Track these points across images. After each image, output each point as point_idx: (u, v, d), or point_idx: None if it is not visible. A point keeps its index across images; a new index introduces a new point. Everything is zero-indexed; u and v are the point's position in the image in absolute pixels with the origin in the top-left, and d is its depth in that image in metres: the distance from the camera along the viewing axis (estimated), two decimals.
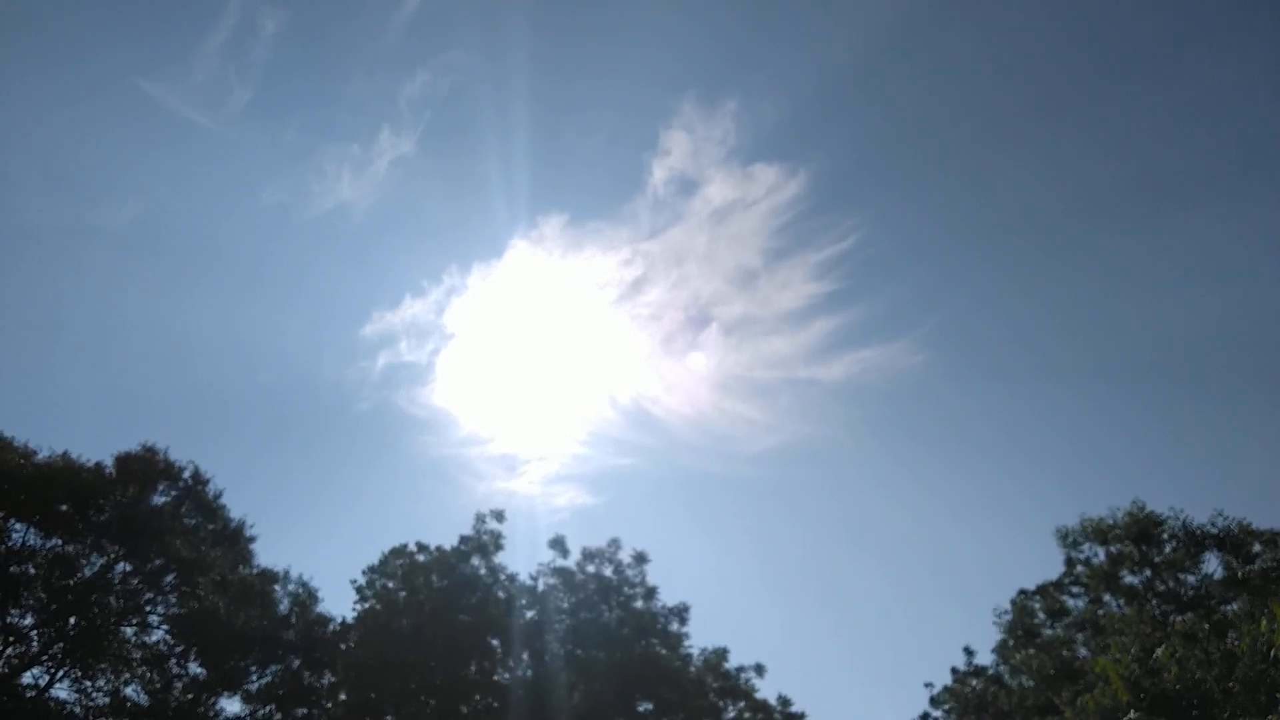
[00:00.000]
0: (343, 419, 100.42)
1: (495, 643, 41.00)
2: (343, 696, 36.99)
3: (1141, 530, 37.49)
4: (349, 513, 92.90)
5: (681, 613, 42.77)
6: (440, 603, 40.26)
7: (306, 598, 37.28)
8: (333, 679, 36.84)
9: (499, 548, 42.70)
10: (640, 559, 43.88)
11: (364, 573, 41.66)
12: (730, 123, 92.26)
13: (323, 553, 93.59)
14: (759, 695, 43.53)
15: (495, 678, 41.33)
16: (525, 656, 42.01)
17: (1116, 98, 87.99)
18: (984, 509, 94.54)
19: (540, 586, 43.07)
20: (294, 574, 37.67)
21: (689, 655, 42.75)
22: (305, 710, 34.89)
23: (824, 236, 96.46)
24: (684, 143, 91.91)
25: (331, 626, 37.57)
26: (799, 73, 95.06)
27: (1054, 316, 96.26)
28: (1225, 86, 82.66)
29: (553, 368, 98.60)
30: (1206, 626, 29.78)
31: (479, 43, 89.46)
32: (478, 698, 40.12)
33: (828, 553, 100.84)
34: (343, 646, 37.44)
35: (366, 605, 40.76)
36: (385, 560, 41.99)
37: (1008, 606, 45.22)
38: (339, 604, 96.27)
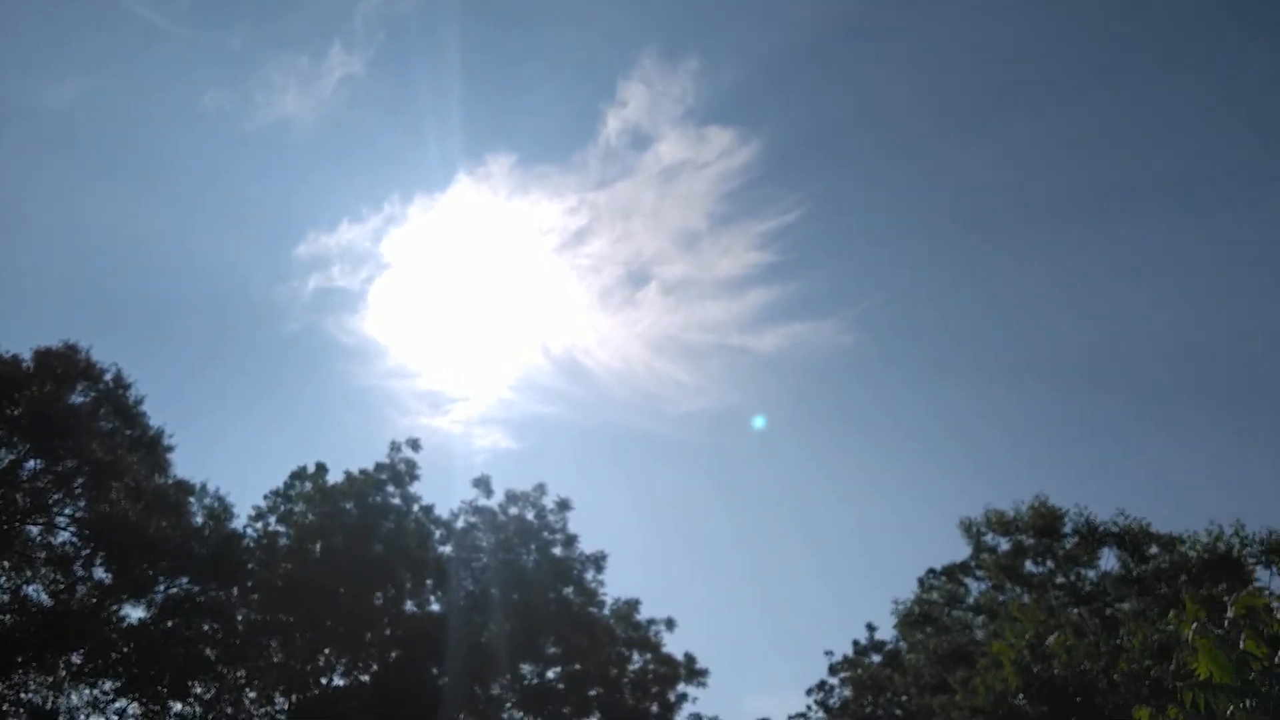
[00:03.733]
0: (268, 338, 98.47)
1: (408, 574, 41.03)
2: (251, 614, 36.77)
3: (1044, 524, 38.86)
4: (267, 433, 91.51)
5: (599, 561, 43.33)
6: (354, 529, 40.07)
7: (222, 512, 36.79)
8: (241, 596, 36.57)
9: (414, 477, 42.43)
10: (564, 506, 44.22)
11: (265, 497, 41.15)
12: (689, 81, 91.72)
13: (237, 469, 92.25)
14: (666, 649, 44.44)
15: (404, 608, 41.46)
16: (437, 590, 42.20)
17: (1086, 100, 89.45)
18: (903, 490, 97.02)
19: (461, 524, 43.20)
20: (211, 488, 37.11)
21: (602, 603, 43.39)
22: (211, 625, 34.58)
23: (771, 207, 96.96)
24: (641, 96, 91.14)
25: (245, 543, 37.16)
26: (763, 39, 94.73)
27: (991, 312, 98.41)
28: (1195, 99, 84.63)
29: (487, 309, 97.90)
30: (1098, 621, 31.13)
31: None
32: (385, 628, 40.26)
33: (746, 518, 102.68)
34: (252, 565, 37.11)
35: (269, 526, 40.38)
36: (290, 483, 41.55)
37: (906, 598, 46.64)
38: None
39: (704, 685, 45.09)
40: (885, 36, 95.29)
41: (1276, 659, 11.90)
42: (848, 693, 54.34)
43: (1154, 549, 35.19)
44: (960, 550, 43.80)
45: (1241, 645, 12.06)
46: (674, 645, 45.34)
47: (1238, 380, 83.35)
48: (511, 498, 44.63)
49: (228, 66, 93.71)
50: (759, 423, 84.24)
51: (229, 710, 35.18)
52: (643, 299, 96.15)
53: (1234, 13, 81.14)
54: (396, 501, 41.31)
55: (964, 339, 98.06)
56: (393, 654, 39.71)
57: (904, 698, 47.20)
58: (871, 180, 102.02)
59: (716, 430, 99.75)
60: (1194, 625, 11.99)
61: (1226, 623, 12.69)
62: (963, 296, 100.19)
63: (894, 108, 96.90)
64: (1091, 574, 36.80)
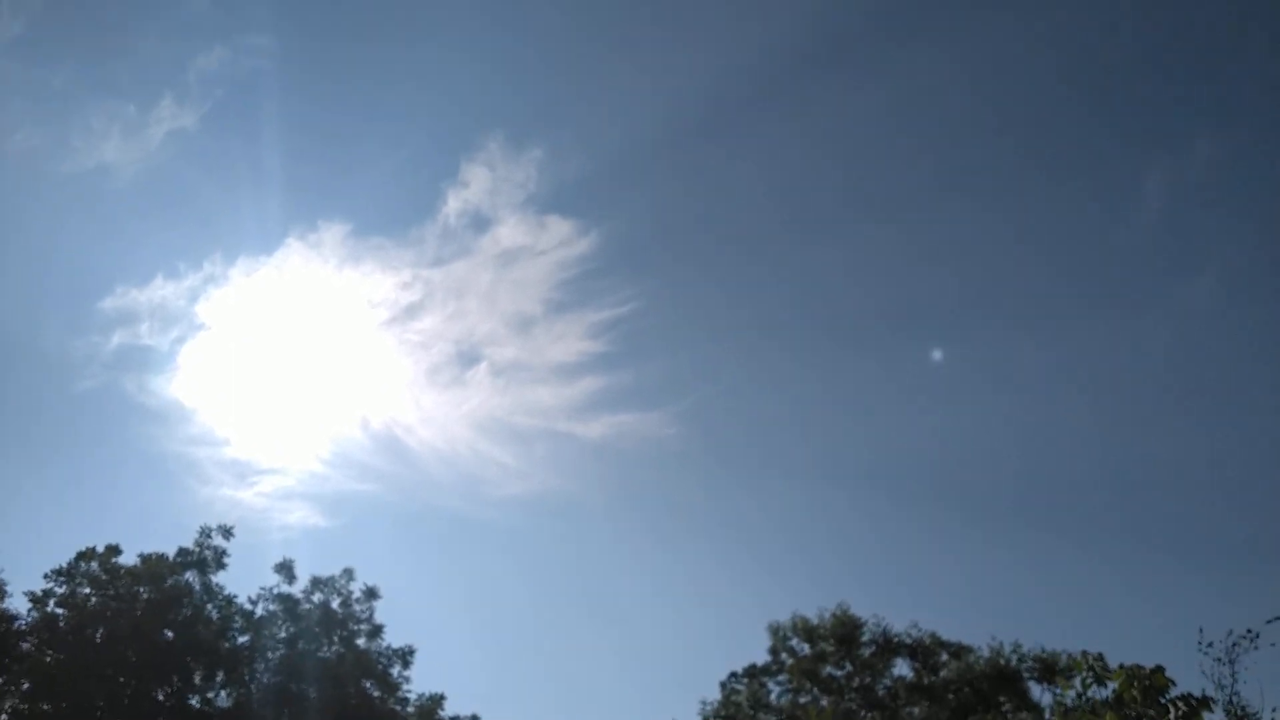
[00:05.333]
0: (59, 394, 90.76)
1: (198, 666, 38.52)
2: (19, 704, 33.48)
3: (845, 631, 40.93)
4: (52, 497, 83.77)
5: (406, 655, 41.92)
6: (144, 615, 37.46)
7: None
8: (10, 682, 33.31)
9: (221, 566, 40.20)
10: (371, 594, 42.75)
11: (46, 576, 37.78)
12: (533, 169, 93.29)
13: (14, 540, 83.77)
14: None
15: (190, 702, 38.78)
16: (228, 684, 39.72)
17: (942, 211, 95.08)
18: (716, 586, 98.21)
19: (259, 612, 40.99)
20: None
21: (406, 700, 41.87)
22: None
23: (605, 298, 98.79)
24: (484, 179, 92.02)
25: (18, 624, 33.98)
26: (610, 134, 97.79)
27: (822, 415, 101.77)
28: (1043, 219, 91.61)
29: (306, 378, 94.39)
30: None
31: (290, 31, 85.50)
32: None
33: (558, 609, 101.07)
34: (27, 647, 33.97)
35: (48, 609, 37.11)
36: (75, 562, 38.45)
37: (713, 697, 47.38)
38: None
39: None
40: (738, 137, 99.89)
41: None
42: None
43: (944, 656, 37.61)
44: (760, 651, 44.98)
45: None
46: None
47: (1052, 498, 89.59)
48: (316, 583, 42.82)
49: (46, 107, 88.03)
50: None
51: None
52: (471, 379, 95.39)
53: (1091, 136, 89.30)
54: (196, 589, 38.89)
55: (791, 440, 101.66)
56: None
57: None
58: (710, 278, 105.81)
59: (536, 515, 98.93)
60: None
61: None
62: (794, 397, 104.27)
63: (740, 208, 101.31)
64: (886, 680, 38.78)
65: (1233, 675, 12.30)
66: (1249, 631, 12.13)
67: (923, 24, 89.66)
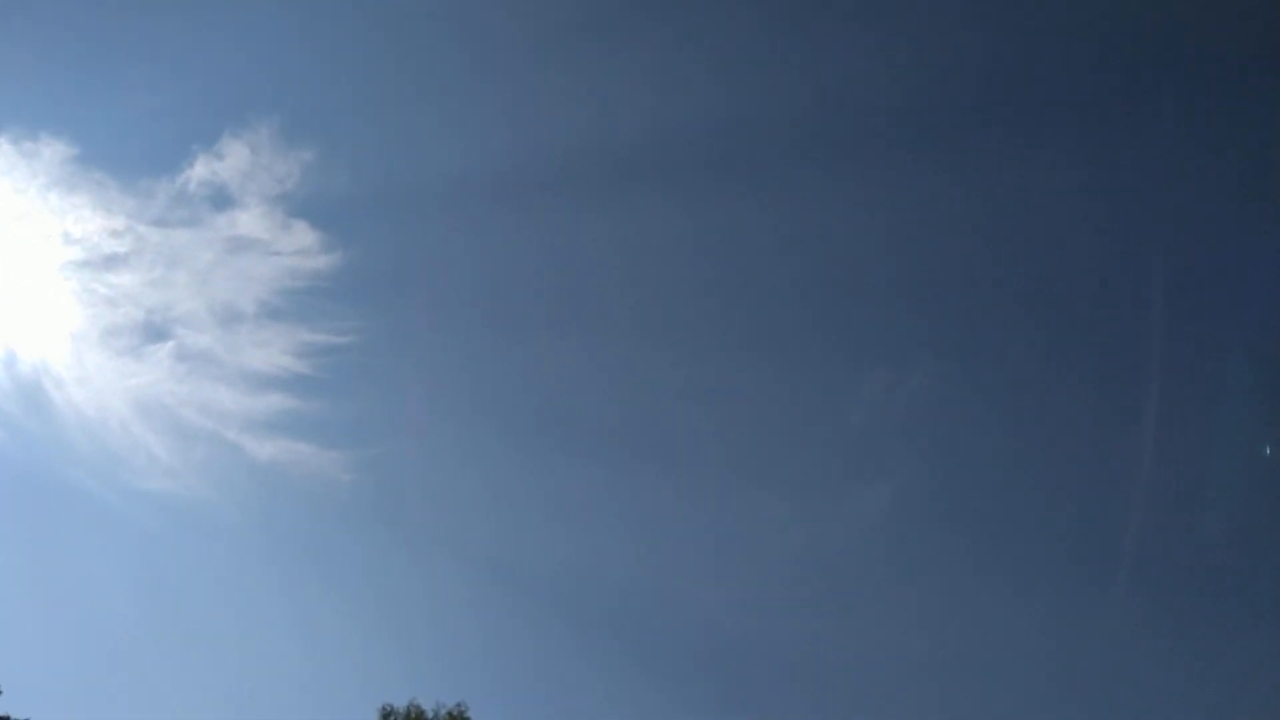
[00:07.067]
0: None
1: None
2: None
3: None
4: None
5: None
6: None
7: None
8: None
9: None
10: None
11: None
12: (296, 168, 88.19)
13: None
14: None
15: None
16: None
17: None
18: (341, 654, 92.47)
19: None
20: None
21: None
22: None
23: (326, 322, 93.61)
24: (242, 158, 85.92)
25: None
26: (390, 163, 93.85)
27: (502, 505, 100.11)
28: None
29: None
30: None
31: None
32: None
33: (162, 627, 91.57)
34: None
35: None
36: None
37: None
38: None
39: None
40: (529, 213, 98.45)
41: None
42: None
43: None
44: None
45: None
46: None
47: (716, 666, 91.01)
48: None
49: None
50: None
51: None
52: (151, 354, 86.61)
53: (853, 325, 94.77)
54: None
55: (474, 526, 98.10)
56: None
57: None
58: (447, 341, 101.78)
59: (171, 519, 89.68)
60: None
61: None
62: (493, 485, 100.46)
63: (505, 283, 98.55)
64: None
65: None
66: None
67: (747, 167, 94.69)
